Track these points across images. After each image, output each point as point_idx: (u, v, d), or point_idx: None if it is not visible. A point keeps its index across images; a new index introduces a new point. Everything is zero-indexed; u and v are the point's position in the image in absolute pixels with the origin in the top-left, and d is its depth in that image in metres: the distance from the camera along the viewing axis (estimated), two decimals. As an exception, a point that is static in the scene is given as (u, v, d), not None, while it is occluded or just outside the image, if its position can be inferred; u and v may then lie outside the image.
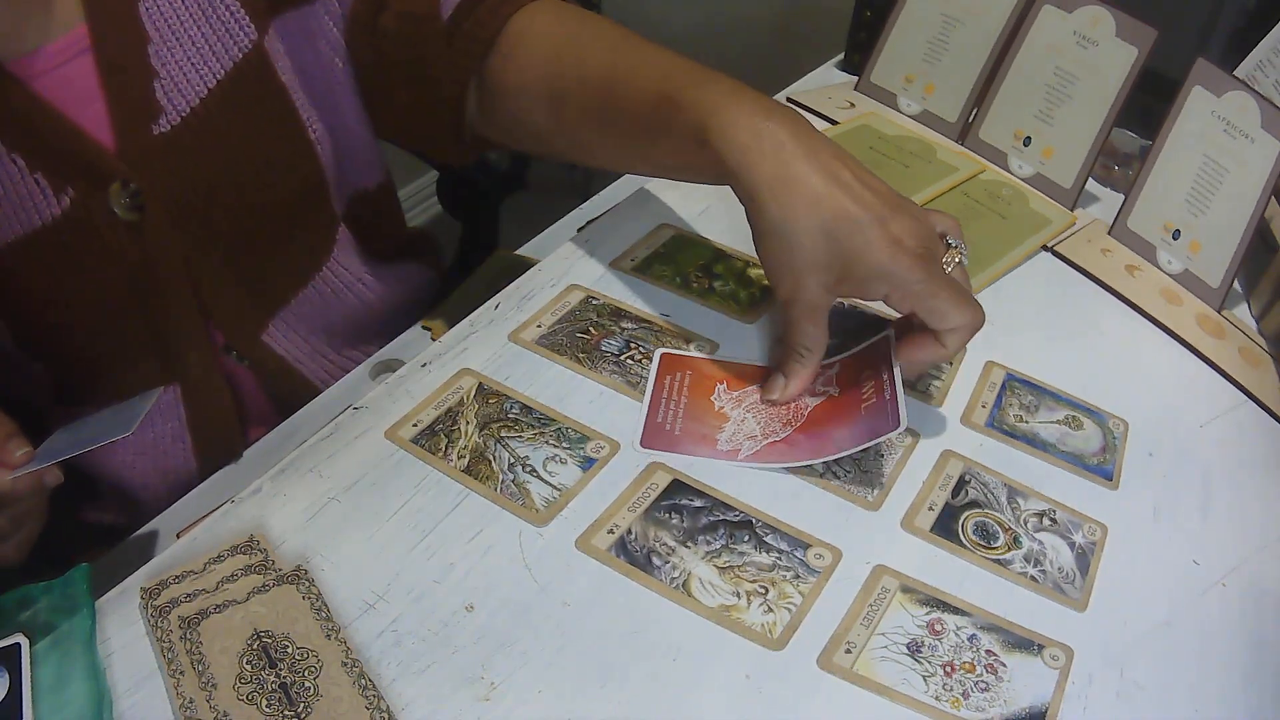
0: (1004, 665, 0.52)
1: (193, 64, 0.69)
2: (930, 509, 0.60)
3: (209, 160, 0.71)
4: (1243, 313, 0.81)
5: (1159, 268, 0.82)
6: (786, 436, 0.62)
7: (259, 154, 0.74)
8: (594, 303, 0.72)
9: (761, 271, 0.77)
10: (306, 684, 0.48)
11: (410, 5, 0.74)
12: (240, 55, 0.71)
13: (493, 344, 0.69)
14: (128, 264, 0.69)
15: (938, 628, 0.54)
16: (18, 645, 0.49)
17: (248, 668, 0.49)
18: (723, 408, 0.64)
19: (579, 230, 0.85)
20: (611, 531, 0.57)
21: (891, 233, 0.58)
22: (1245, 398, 0.72)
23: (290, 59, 0.75)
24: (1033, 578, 0.57)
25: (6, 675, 0.48)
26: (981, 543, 0.59)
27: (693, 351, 0.68)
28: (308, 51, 0.75)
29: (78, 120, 0.65)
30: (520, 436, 0.62)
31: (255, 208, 0.75)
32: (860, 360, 0.65)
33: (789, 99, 1.01)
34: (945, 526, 0.59)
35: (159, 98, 0.68)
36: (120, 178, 0.67)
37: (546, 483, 0.59)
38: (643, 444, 0.61)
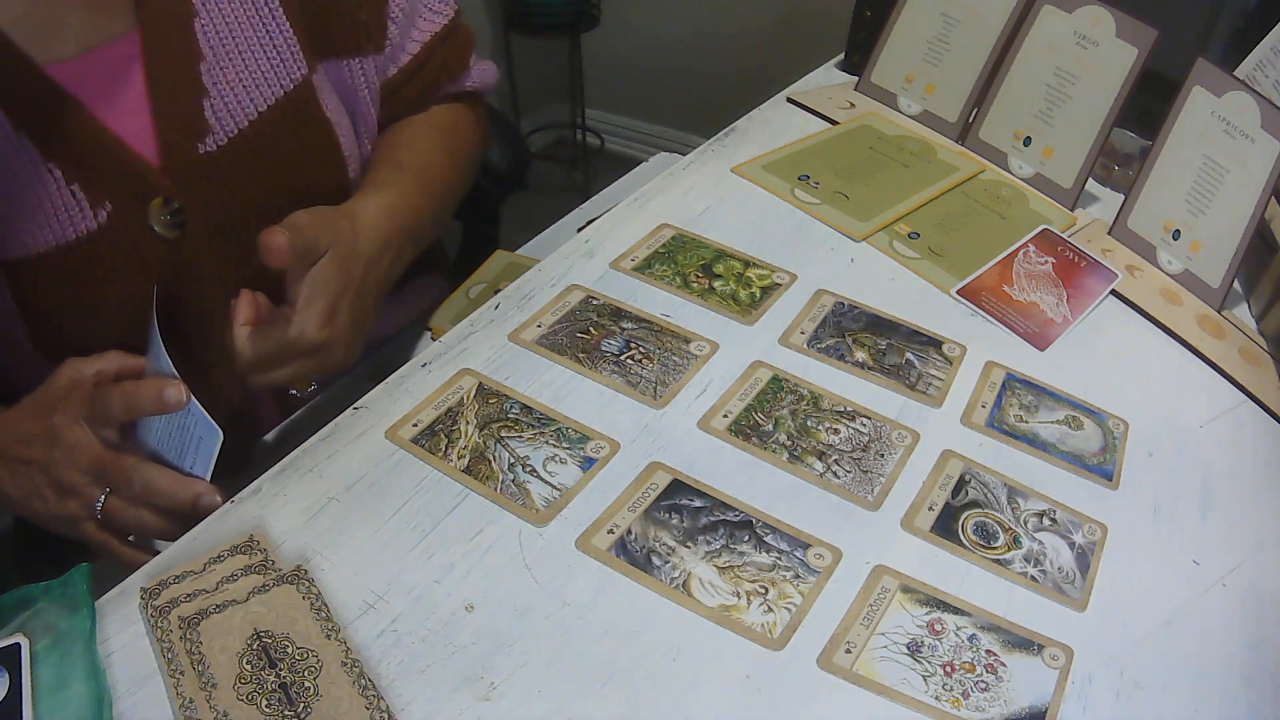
0: (1004, 665, 0.52)
1: (244, 87, 0.69)
2: (930, 509, 0.60)
3: (251, 182, 0.71)
4: (1243, 313, 0.81)
5: (1159, 268, 0.82)
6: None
7: (300, 181, 0.75)
8: (594, 303, 0.72)
9: (762, 271, 0.77)
10: (306, 684, 0.48)
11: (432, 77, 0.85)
12: (291, 85, 0.72)
13: (493, 344, 0.69)
14: (163, 279, 0.68)
15: (938, 628, 0.54)
16: (18, 645, 0.49)
17: (248, 668, 0.49)
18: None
19: (579, 230, 0.85)
20: (611, 531, 0.57)
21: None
22: (1245, 398, 0.72)
23: (336, 100, 0.77)
24: (1033, 578, 0.57)
25: (6, 675, 0.48)
26: (981, 543, 0.59)
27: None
28: (352, 97, 0.79)
29: (119, 131, 0.64)
30: (520, 436, 0.62)
31: None
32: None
33: (789, 99, 1.01)
34: (945, 526, 0.59)
35: (208, 117, 0.68)
36: (163, 194, 0.67)
37: (546, 483, 0.59)
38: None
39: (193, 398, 0.59)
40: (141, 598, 0.52)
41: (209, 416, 0.59)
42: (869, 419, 0.65)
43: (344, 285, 0.66)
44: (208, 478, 0.60)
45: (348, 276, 0.67)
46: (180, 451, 0.61)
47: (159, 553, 0.58)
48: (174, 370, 0.59)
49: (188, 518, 0.59)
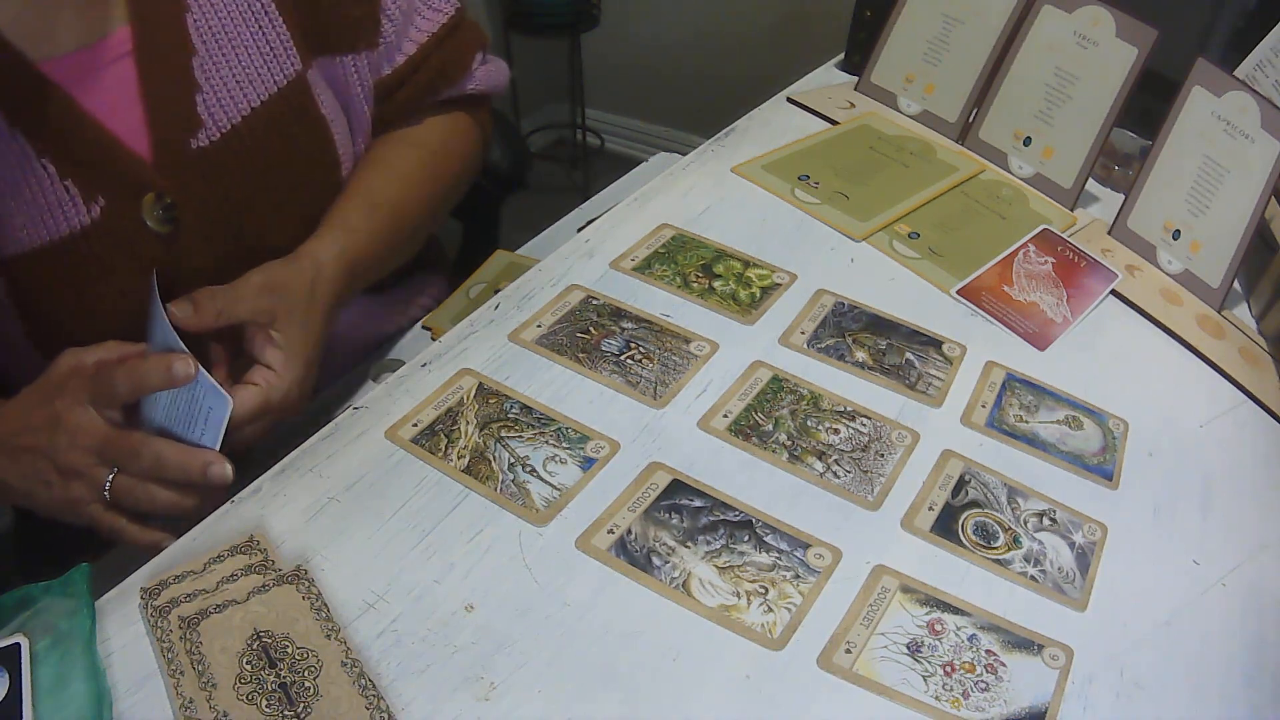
0: (1004, 665, 0.52)
1: (237, 82, 0.69)
2: (930, 509, 0.60)
3: (244, 178, 0.71)
4: (1243, 313, 0.81)
5: (1159, 268, 0.82)
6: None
7: (293, 177, 0.75)
8: (594, 303, 0.72)
9: (762, 271, 0.77)
10: (306, 684, 0.48)
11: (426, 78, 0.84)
12: (285, 82, 0.72)
13: (493, 344, 0.69)
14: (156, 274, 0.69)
15: (938, 628, 0.54)
16: (18, 645, 0.49)
17: (248, 668, 0.49)
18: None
19: (579, 230, 0.85)
20: (611, 531, 0.57)
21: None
22: (1245, 398, 0.72)
23: (331, 97, 0.77)
24: (1033, 578, 0.57)
25: (6, 675, 0.48)
26: (981, 543, 0.59)
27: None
28: (346, 95, 0.79)
29: (112, 126, 0.64)
30: (520, 436, 0.62)
31: (286, 226, 0.75)
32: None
33: (789, 99, 1.01)
34: (945, 526, 0.59)
35: (200, 112, 0.68)
36: (155, 190, 0.67)
37: (546, 483, 0.59)
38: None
39: (201, 368, 0.59)
40: (141, 598, 0.52)
41: (218, 385, 0.59)
42: (869, 419, 0.65)
43: (311, 342, 0.68)
44: (217, 448, 0.60)
45: (314, 331, 0.69)
46: (189, 424, 0.61)
47: (169, 531, 0.58)
48: (181, 344, 0.59)
49: (200, 489, 0.60)
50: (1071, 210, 0.88)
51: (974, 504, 0.61)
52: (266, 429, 0.66)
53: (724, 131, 0.96)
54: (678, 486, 0.59)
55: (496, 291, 0.75)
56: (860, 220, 0.83)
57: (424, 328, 0.88)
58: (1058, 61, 0.89)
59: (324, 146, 0.77)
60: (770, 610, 0.53)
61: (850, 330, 0.73)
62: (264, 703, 0.47)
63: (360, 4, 0.76)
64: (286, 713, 0.47)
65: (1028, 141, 0.91)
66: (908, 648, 0.53)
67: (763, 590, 0.54)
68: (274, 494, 0.58)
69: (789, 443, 0.63)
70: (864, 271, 0.79)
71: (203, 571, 0.53)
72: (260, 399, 0.64)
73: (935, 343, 0.73)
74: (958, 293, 0.77)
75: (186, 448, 0.60)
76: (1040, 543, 0.59)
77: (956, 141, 0.96)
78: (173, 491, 0.60)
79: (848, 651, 0.52)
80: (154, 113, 0.66)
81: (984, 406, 0.68)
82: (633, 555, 0.56)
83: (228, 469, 0.59)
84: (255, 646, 0.49)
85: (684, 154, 0.92)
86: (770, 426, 0.64)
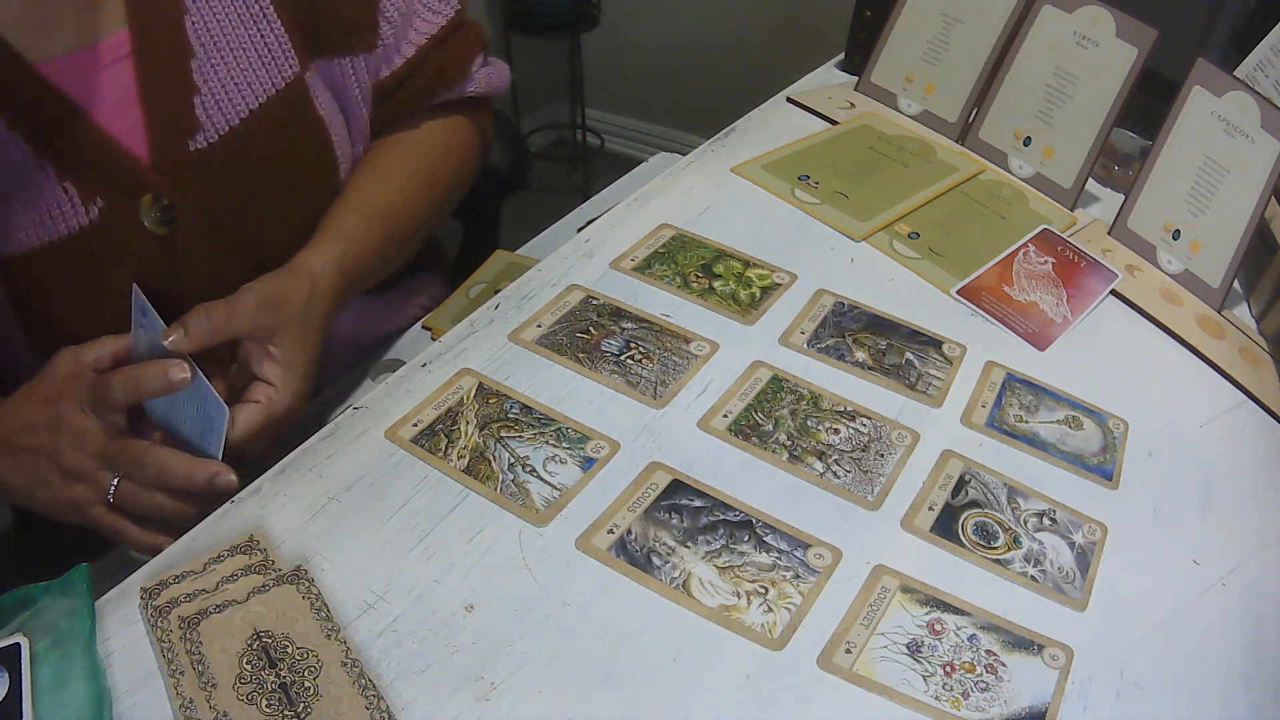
0: (1004, 665, 0.52)
1: (235, 84, 0.69)
2: (930, 509, 0.60)
3: (242, 180, 0.71)
4: (1243, 313, 0.81)
5: (1159, 268, 0.82)
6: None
7: (291, 178, 0.75)
8: (594, 303, 0.72)
9: (762, 271, 0.77)
10: (306, 684, 0.48)
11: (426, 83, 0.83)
12: (283, 84, 0.72)
13: (493, 344, 0.69)
14: (154, 275, 0.69)
15: (938, 628, 0.54)
16: (18, 645, 0.49)
17: (248, 668, 0.49)
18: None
19: (579, 230, 0.85)
20: (611, 531, 0.57)
21: None
22: (1245, 398, 0.72)
23: (330, 99, 0.77)
24: (1033, 578, 0.57)
25: (6, 675, 0.48)
26: (981, 543, 0.59)
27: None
28: (344, 97, 0.79)
29: (111, 128, 0.65)
30: (520, 436, 0.62)
31: (284, 228, 0.75)
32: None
33: (789, 99, 1.01)
34: (945, 526, 0.59)
35: (198, 113, 0.68)
36: (153, 191, 0.67)
37: (546, 483, 0.59)
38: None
39: (200, 373, 0.59)
40: (141, 598, 0.52)
41: (215, 393, 0.59)
42: (869, 419, 0.65)
43: (309, 354, 0.69)
44: (220, 456, 0.61)
45: (312, 343, 0.69)
46: (194, 430, 0.61)
47: (168, 533, 0.58)
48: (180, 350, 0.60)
49: (206, 498, 0.60)
50: (1071, 210, 0.88)
51: (974, 504, 0.61)
52: (271, 444, 0.67)
53: (724, 131, 0.96)
54: (678, 486, 0.59)
55: (496, 291, 0.75)
56: (860, 220, 0.83)
57: (424, 328, 0.88)
58: (1058, 61, 0.89)
59: (322, 148, 0.77)
60: (770, 610, 0.53)
61: (850, 330, 0.73)
62: (264, 703, 0.47)
63: (358, 6, 0.76)
64: (286, 713, 0.47)
65: (1028, 141, 0.91)
66: (908, 648, 0.53)
67: (763, 590, 0.54)
68: (274, 494, 0.58)
69: (789, 443, 0.63)
70: (864, 271, 0.79)
71: (203, 571, 0.53)
72: (263, 414, 0.64)
73: (935, 343, 0.73)
74: (958, 293, 0.77)
75: (191, 458, 0.60)
76: (1040, 543, 0.59)
77: (956, 141, 0.96)
78: (176, 500, 0.61)
79: (848, 651, 0.52)
80: (152, 115, 0.66)
81: (984, 406, 0.68)
82: (633, 555, 0.56)
83: (233, 478, 0.60)
84: (255, 646, 0.49)
85: (684, 154, 0.92)
86: (770, 426, 0.64)
